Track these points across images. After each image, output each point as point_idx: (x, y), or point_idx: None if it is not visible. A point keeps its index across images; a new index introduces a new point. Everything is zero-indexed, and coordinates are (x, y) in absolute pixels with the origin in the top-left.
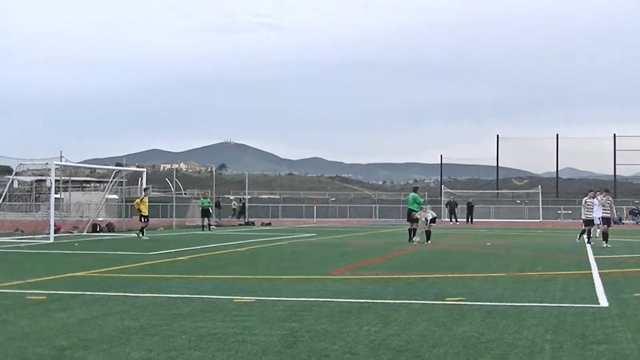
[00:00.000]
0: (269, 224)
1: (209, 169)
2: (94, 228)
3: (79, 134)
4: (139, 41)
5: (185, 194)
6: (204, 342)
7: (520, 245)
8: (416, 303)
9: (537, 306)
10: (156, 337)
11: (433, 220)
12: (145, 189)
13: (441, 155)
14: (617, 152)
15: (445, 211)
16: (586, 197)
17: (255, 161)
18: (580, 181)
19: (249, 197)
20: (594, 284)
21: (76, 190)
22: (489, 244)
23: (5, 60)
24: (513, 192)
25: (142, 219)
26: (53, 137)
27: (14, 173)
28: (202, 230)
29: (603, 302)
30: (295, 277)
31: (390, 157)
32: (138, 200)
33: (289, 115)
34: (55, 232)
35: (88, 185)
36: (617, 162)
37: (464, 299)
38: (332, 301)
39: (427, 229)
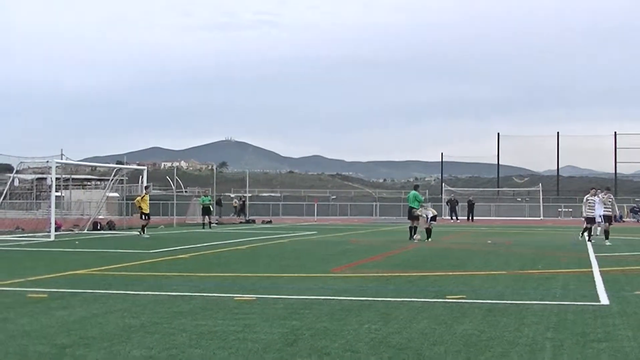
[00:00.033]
0: (270, 222)
1: (210, 167)
2: (95, 226)
3: (79, 132)
4: (140, 39)
5: (186, 192)
6: (204, 340)
7: (520, 243)
8: (417, 301)
9: (537, 304)
10: (157, 335)
11: (434, 218)
12: (146, 187)
13: (442, 153)
14: (617, 149)
15: (446, 209)
16: (588, 195)
17: (256, 159)
18: (581, 179)
19: (250, 195)
20: (594, 281)
21: (77, 189)
22: (489, 242)
23: (6, 59)
24: (514, 190)
25: (143, 216)
26: (53, 136)
27: (14, 171)
28: (203, 228)
29: (604, 300)
30: (295, 275)
31: (391, 155)
32: (139, 198)
33: (289, 113)
34: (56, 230)
35: (89, 183)
36: (617, 160)
37: (464, 296)
38: (333, 299)
39: (427, 226)
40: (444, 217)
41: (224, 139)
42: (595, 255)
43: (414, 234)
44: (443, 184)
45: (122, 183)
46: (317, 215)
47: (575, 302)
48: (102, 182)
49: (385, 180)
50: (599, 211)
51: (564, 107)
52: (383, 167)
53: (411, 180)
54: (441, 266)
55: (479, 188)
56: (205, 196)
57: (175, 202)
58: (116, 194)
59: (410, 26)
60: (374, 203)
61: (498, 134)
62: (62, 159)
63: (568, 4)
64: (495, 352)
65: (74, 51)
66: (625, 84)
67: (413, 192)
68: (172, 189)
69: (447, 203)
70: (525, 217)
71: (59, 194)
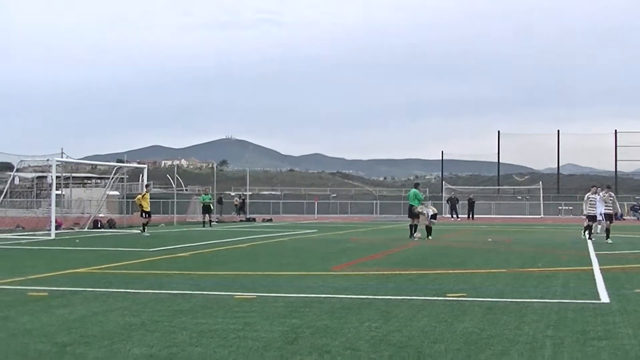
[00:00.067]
0: (270, 220)
1: (210, 165)
2: (95, 224)
3: (79, 130)
4: (140, 37)
5: (186, 190)
6: (205, 338)
7: (521, 241)
8: (417, 299)
9: (538, 302)
10: (157, 334)
11: (434, 216)
12: (146, 185)
13: (442, 152)
14: (618, 148)
15: (446, 207)
16: (589, 193)
17: (257, 157)
18: (582, 177)
19: (250, 193)
20: (595, 280)
21: (77, 187)
22: (489, 240)
23: (6, 59)
24: (514, 188)
25: (144, 215)
26: (54, 135)
27: (15, 169)
28: (203, 226)
29: (604, 298)
30: (296, 273)
31: (391, 153)
32: (140, 196)
33: (290, 112)
34: (56, 229)
35: (89, 181)
36: (618, 158)
37: (464, 295)
38: (333, 297)
39: (428, 224)
40: (445, 215)
41: (224, 137)
42: (596, 253)
43: (415, 232)
44: (443, 182)
45: (123, 181)
46: (317, 213)
47: (576, 300)
48: (102, 181)
49: (385, 178)
50: (600, 209)
51: (564, 106)
52: (383, 165)
53: (411, 178)
54: (441, 264)
55: (479, 186)
56: (205, 194)
57: (175, 200)
58: (116, 193)
59: (411, 25)
60: (375, 201)
61: (498, 132)
62: (62, 157)
63: (568, 3)
64: (495, 350)
65: (74, 51)
66: (625, 82)
67: (413, 190)
68: (172, 188)
69: (447, 201)
70: (525, 215)
71: (59, 192)
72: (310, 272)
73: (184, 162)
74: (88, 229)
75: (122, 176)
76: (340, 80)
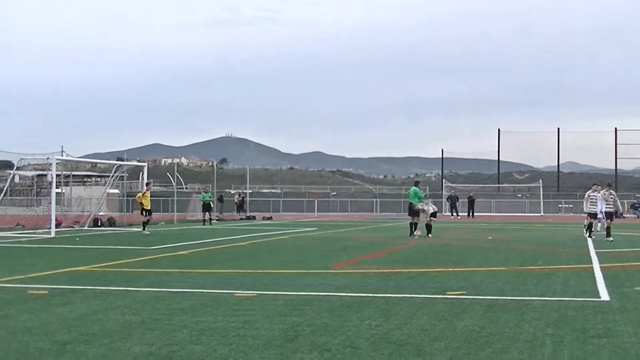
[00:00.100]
0: (270, 218)
1: (210, 164)
2: (95, 223)
3: (79, 128)
4: (140, 36)
5: (186, 188)
6: (205, 337)
7: (521, 239)
8: (417, 297)
9: (538, 300)
10: (157, 332)
11: (434, 214)
12: (147, 184)
13: (442, 150)
14: (618, 146)
15: (446, 205)
16: (589, 191)
17: (257, 155)
18: (582, 175)
19: (250, 191)
20: (595, 277)
21: (77, 185)
22: (490, 238)
23: (6, 58)
24: (514, 186)
25: (144, 213)
26: (54, 133)
27: (15, 168)
28: (203, 224)
29: (604, 296)
30: (296, 271)
31: (391, 151)
32: (140, 194)
33: (290, 110)
34: (56, 227)
35: (89, 179)
36: (618, 156)
37: (464, 293)
38: (333, 295)
39: (428, 222)
40: (445, 213)
41: (224, 135)
42: (596, 252)
43: (415, 230)
44: (443, 180)
45: (123, 180)
46: (317, 211)
47: (576, 298)
48: (102, 179)
49: (385, 176)
50: (600, 207)
51: (564, 104)
52: (383, 163)
53: (412, 176)
54: (441, 262)
55: (479, 184)
56: (205, 192)
57: (175, 198)
58: (116, 191)
59: (411, 24)
60: (375, 199)
61: (499, 130)
62: (62, 155)
63: (568, 3)
64: (495, 348)
65: (74, 50)
66: (625, 80)
67: (413, 188)
68: (172, 186)
69: (447, 199)
70: (525, 213)
71: (59, 190)
72: (310, 270)
73: (184, 161)
74: (88, 227)
75: (122, 174)
76: (341, 78)
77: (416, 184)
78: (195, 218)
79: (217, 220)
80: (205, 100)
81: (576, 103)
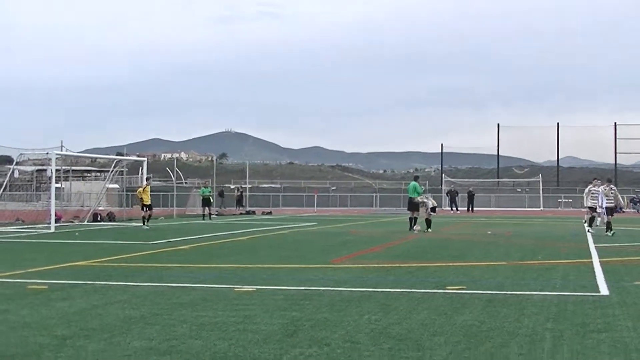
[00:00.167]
0: (270, 213)
1: (210, 158)
2: (95, 217)
3: (79, 123)
4: (140, 31)
5: (186, 183)
6: (204, 331)
7: (520, 233)
8: (417, 292)
9: (537, 295)
10: (157, 326)
11: (433, 209)
12: (147, 178)
13: (442, 144)
14: (617, 140)
15: (446, 200)
16: (590, 186)
17: (256, 150)
18: (581, 170)
19: (250, 186)
20: (594, 272)
21: (77, 180)
22: (489, 232)
23: (6, 58)
24: (514, 181)
25: (145, 208)
26: (54, 128)
27: (14, 163)
28: (203, 219)
29: (603, 290)
30: (295, 266)
31: (391, 146)
32: (140, 189)
33: (289, 104)
34: (56, 222)
35: (89, 174)
36: (617, 151)
37: (464, 287)
38: (333, 290)
39: (427, 217)
40: (444, 208)
41: (223, 130)
42: (595, 246)
43: (414, 224)
44: (443, 174)
45: (122, 174)
46: (317, 206)
47: (575, 293)
48: (102, 174)
49: (385, 171)
50: (601, 202)
51: (564, 98)
52: (383, 158)
53: (411, 171)
54: (441, 257)
55: (479, 179)
56: (205, 187)
57: (175, 193)
58: (116, 186)
59: (411, 19)
60: (374, 194)
61: (498, 124)
62: (62, 150)
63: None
64: (495, 342)
65: (75, 45)
66: (625, 75)
67: (413, 183)
68: (172, 180)
69: (447, 194)
70: (525, 207)
71: (59, 185)
72: (310, 265)
73: (183, 155)
74: (88, 222)
75: (122, 169)
76: (340, 73)
77: (416, 178)
78: (195, 213)
79: (216, 215)
80: (204, 95)
81: (576, 95)
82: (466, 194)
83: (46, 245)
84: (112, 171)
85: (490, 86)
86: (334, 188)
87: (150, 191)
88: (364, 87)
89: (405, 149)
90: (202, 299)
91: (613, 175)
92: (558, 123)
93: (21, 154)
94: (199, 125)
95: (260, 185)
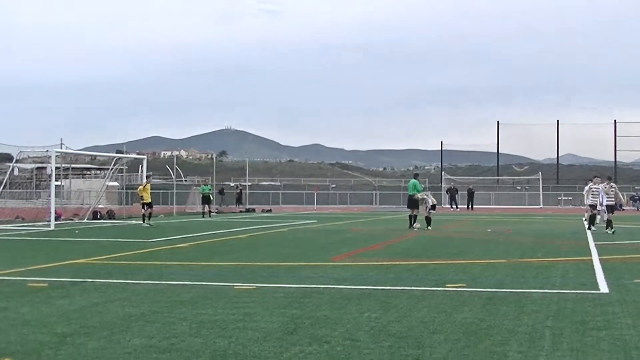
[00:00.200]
0: (270, 210)
1: (210, 156)
2: (95, 215)
3: (79, 121)
4: (140, 27)
5: (185, 181)
6: (204, 329)
7: (520, 231)
8: (416, 289)
9: (537, 292)
10: (157, 324)
11: (433, 207)
12: (147, 176)
13: (442, 142)
14: (617, 138)
15: (445, 197)
16: (590, 183)
17: (256, 148)
18: (581, 167)
19: (250, 183)
20: (594, 270)
21: (77, 178)
22: (489, 230)
23: (6, 55)
24: (513, 179)
25: (145, 206)
26: (53, 126)
27: (14, 160)
28: (203, 217)
29: (603, 288)
30: (295, 263)
31: (391, 143)
32: (141, 187)
33: (289, 102)
34: (55, 220)
35: (88, 172)
36: (617, 149)
37: (464, 285)
38: (333, 288)
39: (427, 215)
40: (444, 206)
41: (223, 128)
42: (595, 244)
43: (414, 222)
44: (443, 172)
45: (122, 172)
46: (316, 204)
47: (575, 291)
48: (101, 171)
49: (385, 169)
50: (601, 200)
51: (564, 96)
52: (383, 155)
53: (411, 168)
54: (441, 255)
55: (478, 176)
56: (205, 185)
57: (175, 191)
58: (116, 183)
59: (411, 17)
60: (374, 192)
61: (498, 122)
62: (61, 148)
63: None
64: (494, 340)
65: (75, 44)
66: (625, 73)
67: (413, 180)
68: (172, 178)
69: (447, 192)
70: (525, 205)
71: (58, 183)
72: (309, 263)
73: (183, 153)
74: (87, 219)
75: (122, 167)
76: (340, 71)
77: (415, 176)
78: (195, 211)
79: (216, 212)
80: (204, 92)
81: (576, 92)
82: (466, 192)
83: (46, 243)
84: (111, 169)
85: (490, 84)
86: (333, 186)
87: (150, 189)
88: (364, 85)
89: (405, 147)
90: (202, 296)
91: (613, 172)
92: (558, 121)
93: (21, 151)
94: (199, 123)
95: (260, 183)
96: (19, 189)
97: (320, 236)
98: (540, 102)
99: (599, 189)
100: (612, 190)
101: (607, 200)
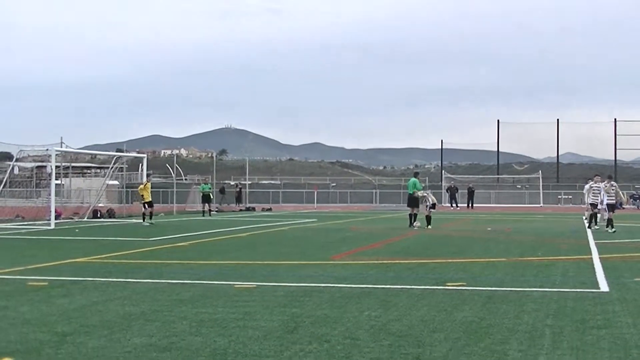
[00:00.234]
0: (270, 209)
1: (210, 155)
2: (95, 214)
3: (79, 120)
4: (140, 27)
5: (185, 179)
6: (204, 328)
7: (520, 230)
8: (417, 288)
9: (537, 291)
10: (157, 323)
11: (433, 205)
12: (148, 175)
13: (442, 141)
14: (617, 136)
15: (445, 196)
16: (591, 182)
17: (256, 147)
18: (581, 166)
19: (250, 182)
20: (594, 268)
21: (77, 177)
22: (489, 229)
23: (6, 55)
24: (514, 177)
25: (145, 205)
26: (53, 124)
27: (14, 159)
28: (203, 216)
29: (603, 287)
30: (295, 262)
31: (391, 142)
32: (141, 186)
33: (289, 101)
34: (55, 218)
35: (88, 171)
36: (617, 147)
37: (464, 284)
38: (333, 286)
39: (427, 214)
40: (444, 205)
41: (223, 126)
42: (595, 243)
43: (414, 221)
44: (443, 171)
45: (122, 171)
46: (317, 202)
47: (575, 289)
48: (102, 170)
49: (385, 167)
50: (602, 199)
51: (564, 94)
52: (383, 154)
53: (411, 167)
54: (441, 253)
55: (479, 175)
56: (205, 184)
57: (175, 189)
58: (116, 182)
59: (412, 16)
60: (374, 190)
61: (498, 121)
62: (61, 147)
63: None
64: (495, 339)
65: (75, 44)
66: (625, 71)
67: (413, 179)
68: (172, 177)
69: (447, 190)
70: (525, 204)
71: (58, 182)
72: (309, 262)
73: (183, 152)
74: (87, 218)
75: (122, 166)
76: (340, 70)
77: (415, 175)
78: (195, 209)
79: (216, 211)
80: (204, 91)
81: (576, 91)
82: (466, 191)
83: (46, 241)
84: (111, 168)
85: (491, 83)
86: (333, 184)
87: (151, 188)
88: (364, 83)
89: (405, 146)
90: (202, 295)
91: (613, 171)
92: (558, 119)
93: (21, 150)
94: (199, 121)
95: (260, 182)
96: (19, 187)
97: (321, 235)
98: (540, 101)
99: (599, 187)
100: (612, 189)
101: (607, 199)
